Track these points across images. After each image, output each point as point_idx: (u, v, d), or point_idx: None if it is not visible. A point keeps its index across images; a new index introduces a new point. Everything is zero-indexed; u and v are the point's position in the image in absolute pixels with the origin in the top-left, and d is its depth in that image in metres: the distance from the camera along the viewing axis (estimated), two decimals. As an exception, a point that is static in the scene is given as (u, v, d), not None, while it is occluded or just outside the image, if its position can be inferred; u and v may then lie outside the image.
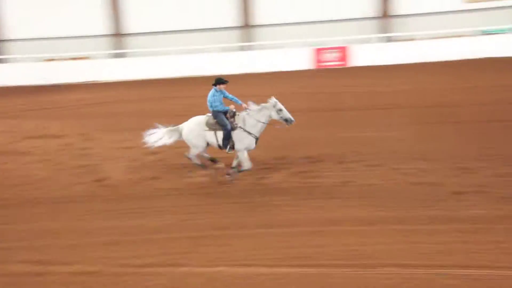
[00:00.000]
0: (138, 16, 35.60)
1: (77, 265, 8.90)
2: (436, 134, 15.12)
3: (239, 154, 12.25)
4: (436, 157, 13.13)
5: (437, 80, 22.67)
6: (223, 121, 12.08)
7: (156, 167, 13.80)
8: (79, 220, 10.88)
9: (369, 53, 30.00)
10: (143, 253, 9.21)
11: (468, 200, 10.58)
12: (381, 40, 32.25)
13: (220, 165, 12.67)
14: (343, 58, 30.04)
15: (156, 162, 14.10)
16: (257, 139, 12.22)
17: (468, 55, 27.64)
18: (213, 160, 12.86)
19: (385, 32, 33.00)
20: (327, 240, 9.27)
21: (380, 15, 33.98)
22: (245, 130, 12.09)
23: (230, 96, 12.39)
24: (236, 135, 12.12)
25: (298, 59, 30.24)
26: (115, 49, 35.16)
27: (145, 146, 13.11)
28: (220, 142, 12.26)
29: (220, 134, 12.21)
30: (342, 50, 30.12)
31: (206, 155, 12.95)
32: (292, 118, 11.98)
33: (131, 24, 35.94)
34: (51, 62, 33.69)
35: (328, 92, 21.77)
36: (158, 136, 12.87)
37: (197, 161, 12.79)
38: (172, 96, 23.63)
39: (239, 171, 12.39)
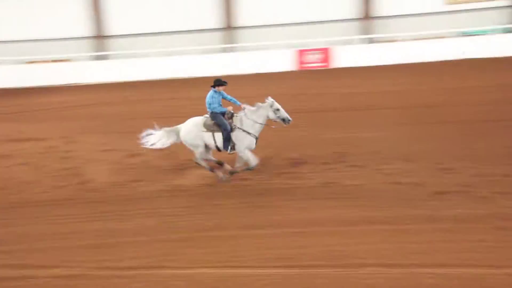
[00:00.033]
0: (120, 18, 35.34)
1: (58, 268, 8.85)
2: (419, 134, 15.18)
3: (242, 154, 12.25)
4: (419, 158, 13.20)
5: (419, 81, 22.77)
6: (222, 122, 12.07)
7: (139, 169, 13.75)
8: (61, 223, 10.79)
9: (351, 54, 30.07)
10: (125, 256, 9.17)
11: (451, 200, 10.65)
12: (363, 41, 32.36)
13: (227, 167, 12.59)
14: (325, 59, 30.10)
15: (139, 165, 14.04)
16: (256, 138, 12.24)
17: (449, 56, 27.85)
18: (220, 163, 12.79)
19: (367, 34, 33.15)
20: (310, 240, 9.29)
21: (362, 17, 34.15)
22: (244, 130, 12.10)
23: (229, 97, 12.40)
24: (235, 136, 12.14)
25: (281, 61, 30.23)
26: (97, 51, 34.91)
27: (144, 147, 13.02)
28: (218, 144, 12.26)
29: (217, 135, 12.20)
30: (325, 51, 30.17)
31: (212, 158, 12.89)
32: (290, 118, 12.05)
33: (113, 26, 35.68)
34: (32, 65, 33.36)
35: (310, 93, 21.80)
36: (156, 138, 12.78)
37: (205, 165, 12.67)
38: (154, 98, 23.52)
39: (248, 169, 12.36)
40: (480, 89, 20.17)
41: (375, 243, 9.03)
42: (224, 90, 12.36)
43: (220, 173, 12.53)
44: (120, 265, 8.85)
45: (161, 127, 12.86)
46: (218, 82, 12.22)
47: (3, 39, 35.19)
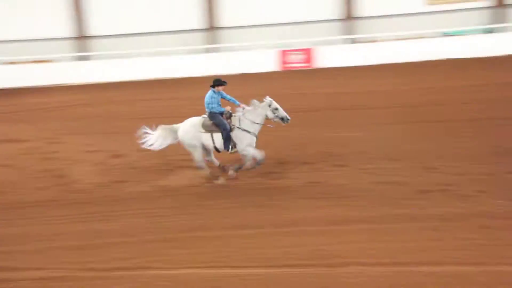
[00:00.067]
0: (102, 18, 35.13)
1: (43, 270, 8.81)
2: (404, 134, 15.26)
3: (245, 152, 12.19)
4: (404, 157, 13.25)
5: (401, 81, 22.88)
6: (221, 122, 12.01)
7: (123, 170, 13.71)
8: (45, 224, 10.73)
9: (334, 54, 30.11)
10: (110, 257, 9.15)
11: (434, 199, 10.73)
12: (346, 41, 32.46)
13: (231, 172, 12.51)
14: (308, 59, 30.14)
15: (123, 165, 14.00)
16: (256, 137, 12.24)
17: (430, 56, 28.03)
18: (223, 167, 12.75)
19: (350, 34, 33.28)
20: (294, 240, 9.33)
21: (345, 17, 34.32)
22: (243, 129, 12.07)
23: (228, 97, 12.39)
24: (235, 135, 12.10)
25: (264, 61, 30.19)
26: (79, 51, 34.63)
27: (143, 148, 12.90)
28: (217, 144, 12.19)
29: (216, 136, 12.13)
30: (307, 52, 30.23)
31: (215, 161, 12.87)
32: (288, 117, 12.07)
33: (95, 26, 35.50)
34: (13, 65, 32.98)
35: (293, 93, 21.78)
36: (153, 139, 12.64)
37: (205, 168, 12.58)
38: (138, 99, 23.39)
39: (258, 164, 12.26)
40: (464, 88, 20.30)
41: (360, 242, 9.08)
42: (223, 90, 12.34)
43: (230, 171, 12.50)
44: (104, 266, 8.82)
45: (157, 125, 12.73)
46: (218, 82, 12.16)
47: (-17, 40, 34.86)
